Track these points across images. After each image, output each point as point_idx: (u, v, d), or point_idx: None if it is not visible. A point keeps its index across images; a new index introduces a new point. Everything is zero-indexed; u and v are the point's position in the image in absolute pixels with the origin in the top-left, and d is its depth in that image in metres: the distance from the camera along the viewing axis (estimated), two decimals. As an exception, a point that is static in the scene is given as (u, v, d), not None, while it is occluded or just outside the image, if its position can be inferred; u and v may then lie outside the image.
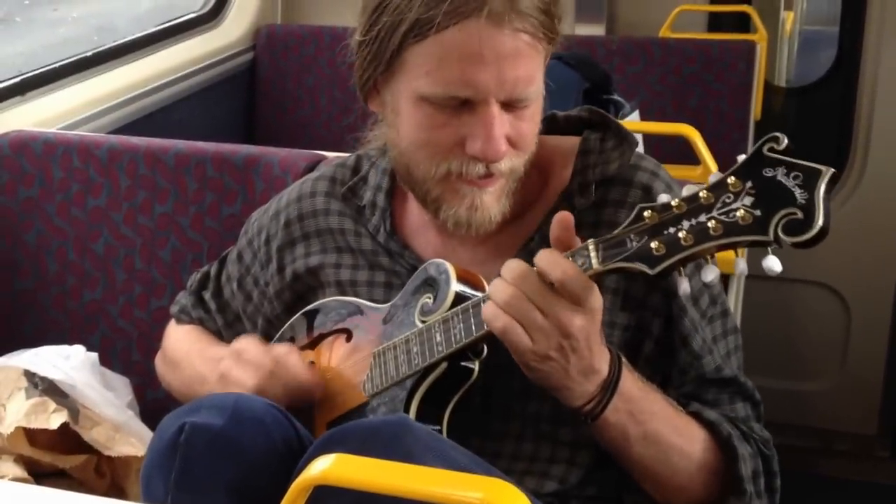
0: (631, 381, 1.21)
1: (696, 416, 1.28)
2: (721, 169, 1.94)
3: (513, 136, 1.25)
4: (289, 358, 1.36)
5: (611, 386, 1.18)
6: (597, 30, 3.15)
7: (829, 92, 3.36)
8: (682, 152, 2.01)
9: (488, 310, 1.15)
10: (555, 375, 1.16)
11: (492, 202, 1.28)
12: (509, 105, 1.24)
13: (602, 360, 1.18)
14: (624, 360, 1.21)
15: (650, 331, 1.32)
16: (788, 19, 3.82)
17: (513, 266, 1.15)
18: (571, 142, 1.39)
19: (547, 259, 1.13)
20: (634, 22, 3.17)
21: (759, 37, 2.99)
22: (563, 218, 1.16)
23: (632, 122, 2.51)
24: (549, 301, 1.12)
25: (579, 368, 1.15)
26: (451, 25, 1.19)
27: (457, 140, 1.24)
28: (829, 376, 3.28)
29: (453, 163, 1.25)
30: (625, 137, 1.36)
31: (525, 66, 1.22)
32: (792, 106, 3.59)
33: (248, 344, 1.40)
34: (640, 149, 1.57)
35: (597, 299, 1.14)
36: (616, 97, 2.65)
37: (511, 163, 1.27)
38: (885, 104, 3.06)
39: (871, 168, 3.10)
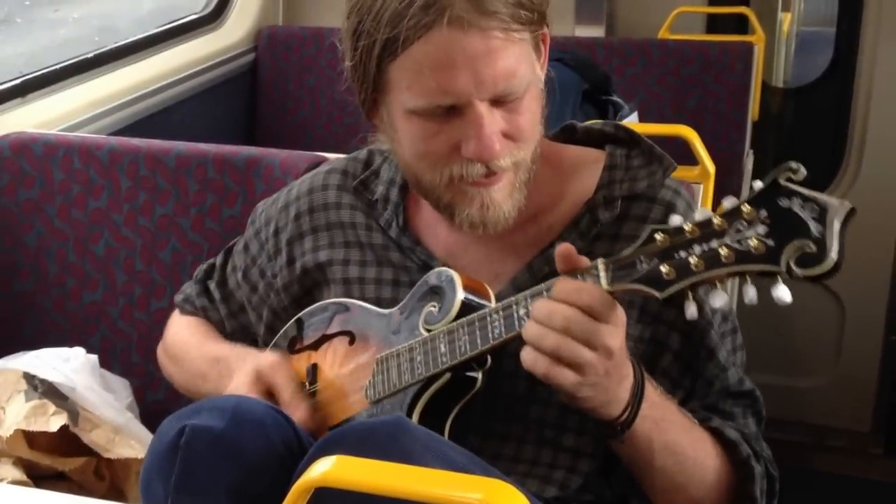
0: (651, 387, 1.21)
1: (717, 434, 1.29)
2: (718, 169, 1.97)
3: (509, 130, 1.25)
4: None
5: (639, 391, 1.18)
6: (596, 31, 3.15)
7: (825, 92, 3.37)
8: (680, 153, 2.01)
9: (528, 356, 1.13)
10: (600, 396, 1.15)
11: (502, 198, 1.27)
12: (499, 101, 1.23)
13: (629, 366, 1.18)
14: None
15: (668, 345, 1.32)
16: (786, 20, 3.81)
17: (547, 308, 1.12)
18: (594, 154, 1.39)
19: (567, 288, 1.13)
20: (634, 23, 3.17)
21: (757, 38, 3.00)
22: (563, 250, 1.16)
23: (630, 123, 2.52)
24: (594, 332, 1.11)
25: (617, 379, 1.15)
26: (417, 39, 1.19)
27: (452, 145, 1.24)
28: (824, 373, 3.30)
29: (454, 168, 1.25)
30: (659, 158, 1.36)
31: (502, 61, 1.21)
32: (789, 106, 3.59)
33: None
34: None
35: (621, 311, 1.14)
36: (615, 98, 2.67)
37: (514, 157, 1.26)
38: (881, 105, 3.07)
39: (866, 168, 3.10)
